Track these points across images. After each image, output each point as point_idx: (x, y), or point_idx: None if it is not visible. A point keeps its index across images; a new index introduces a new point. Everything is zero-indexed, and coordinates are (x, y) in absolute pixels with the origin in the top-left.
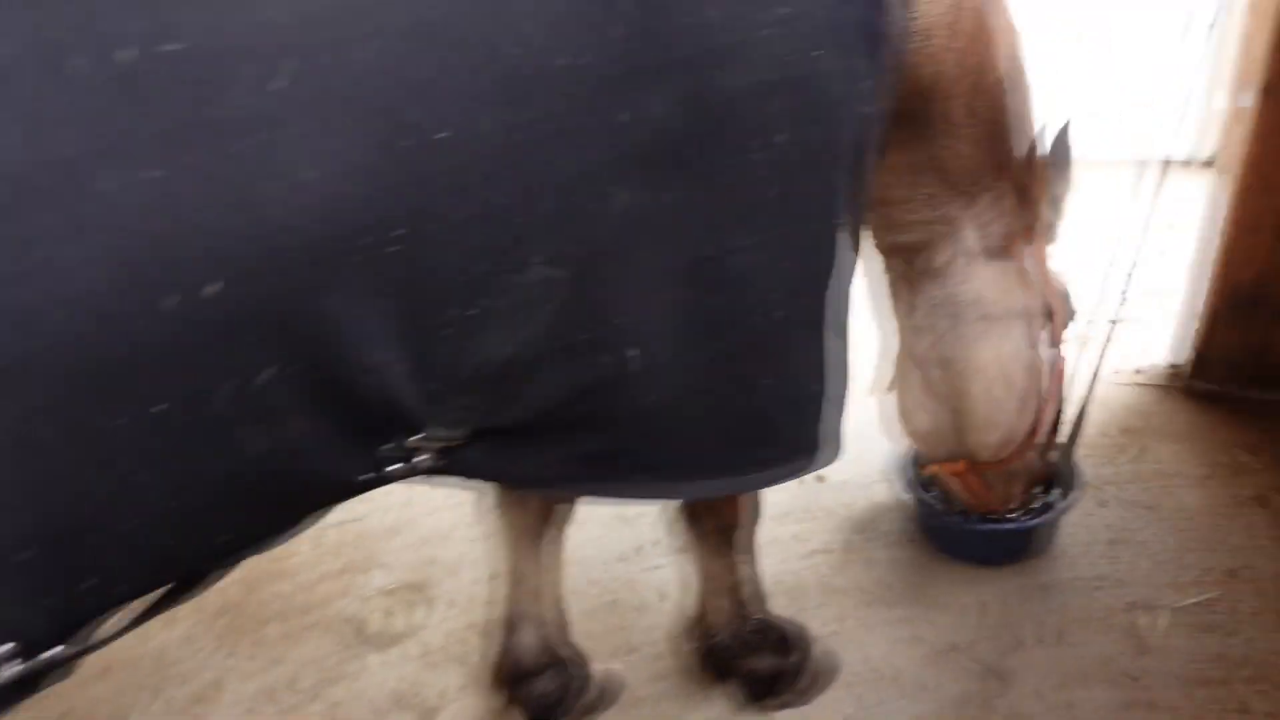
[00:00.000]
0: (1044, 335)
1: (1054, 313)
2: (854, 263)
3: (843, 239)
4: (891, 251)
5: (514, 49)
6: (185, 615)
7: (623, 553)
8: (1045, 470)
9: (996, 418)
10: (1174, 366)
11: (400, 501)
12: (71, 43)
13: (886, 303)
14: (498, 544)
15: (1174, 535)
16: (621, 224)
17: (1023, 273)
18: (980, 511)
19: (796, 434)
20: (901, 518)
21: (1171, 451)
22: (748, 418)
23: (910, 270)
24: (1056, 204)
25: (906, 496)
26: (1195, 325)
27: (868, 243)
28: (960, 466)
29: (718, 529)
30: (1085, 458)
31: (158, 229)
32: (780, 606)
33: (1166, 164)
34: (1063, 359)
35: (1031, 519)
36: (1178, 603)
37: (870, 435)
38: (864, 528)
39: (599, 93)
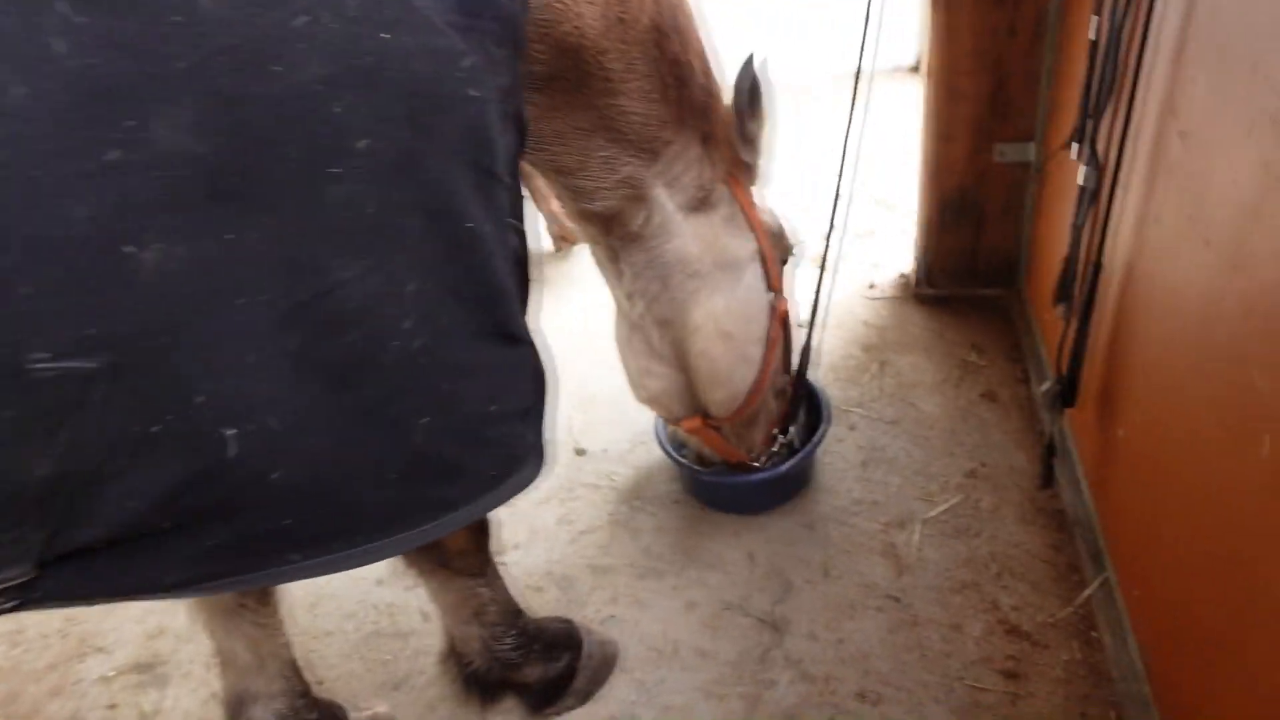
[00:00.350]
0: (758, 280)
1: (767, 255)
2: (514, 254)
3: (484, 237)
4: (585, 220)
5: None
6: None
7: (379, 575)
8: (785, 411)
9: (720, 374)
10: (903, 276)
11: None
12: None
13: (599, 268)
14: (199, 624)
15: (919, 446)
16: (161, 286)
17: (727, 221)
18: (730, 462)
19: (482, 463)
20: (664, 480)
21: (909, 363)
22: (414, 462)
23: (610, 237)
24: (753, 143)
25: (667, 457)
26: (916, 235)
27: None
28: (696, 423)
29: (440, 562)
30: (831, 382)
31: None
32: (553, 600)
33: (871, 75)
34: (783, 300)
35: (783, 463)
36: (927, 514)
37: (623, 400)
38: (628, 497)
39: (65, 128)
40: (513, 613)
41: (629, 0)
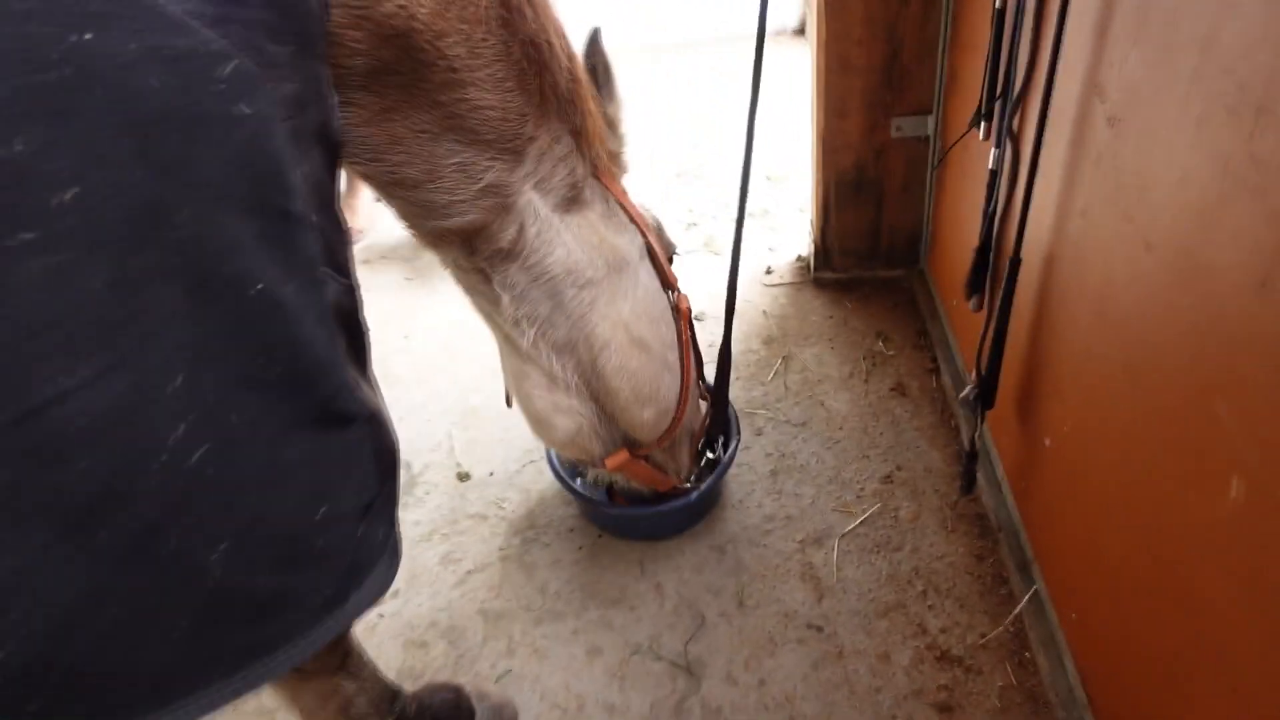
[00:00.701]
0: (653, 278)
1: (655, 250)
2: (336, 309)
3: (283, 297)
4: (441, 242)
5: None
6: None
7: None
8: (705, 422)
9: (645, 390)
10: (801, 259)
11: None
12: None
13: (469, 301)
14: None
15: (830, 450)
16: None
17: (606, 218)
18: (664, 490)
19: (311, 586)
20: (559, 503)
21: (814, 355)
22: (207, 606)
23: (476, 258)
24: (615, 127)
25: (567, 488)
26: (811, 214)
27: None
28: (622, 457)
29: None
30: (733, 381)
31: None
32: (440, 657)
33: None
34: (683, 296)
35: (694, 486)
36: (844, 528)
37: (507, 418)
38: (521, 528)
39: None
40: (386, 698)
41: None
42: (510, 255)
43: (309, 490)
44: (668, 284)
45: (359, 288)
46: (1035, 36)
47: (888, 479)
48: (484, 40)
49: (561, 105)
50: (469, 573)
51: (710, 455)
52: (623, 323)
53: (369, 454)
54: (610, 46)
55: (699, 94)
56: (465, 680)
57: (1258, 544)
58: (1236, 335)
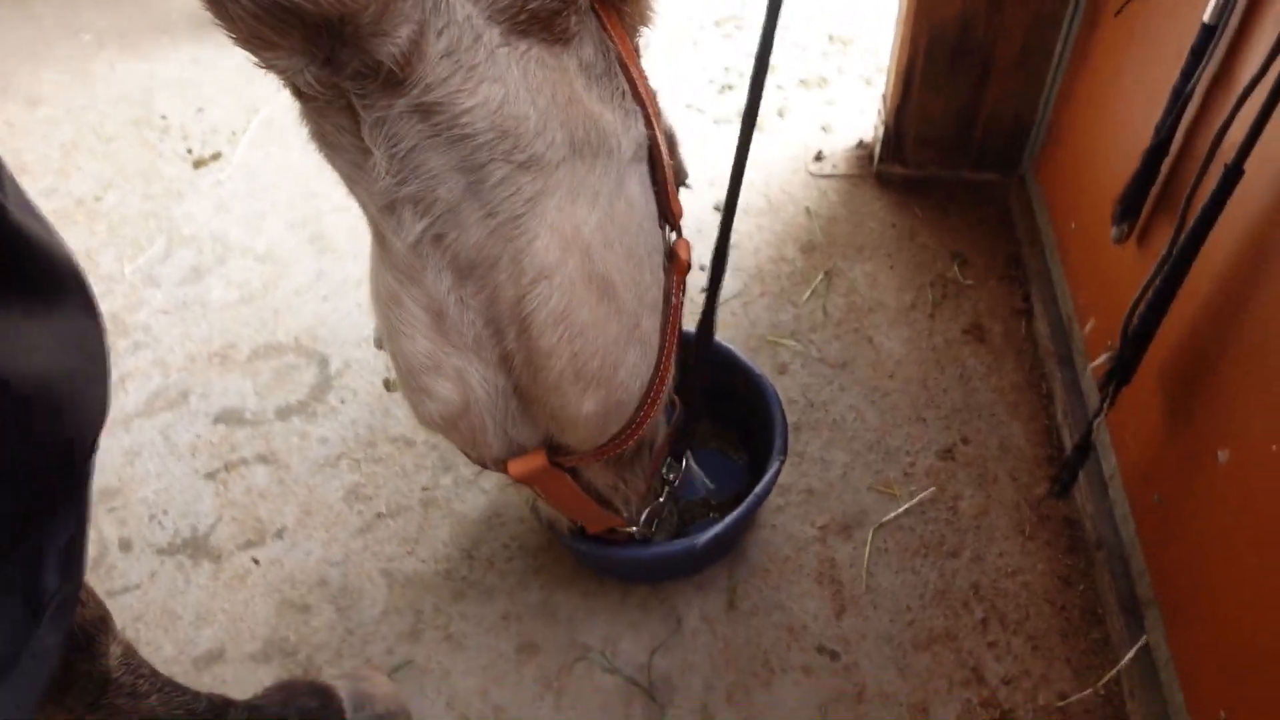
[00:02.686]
0: (648, 194)
1: (661, 156)
2: None
3: None
4: (279, 37)
5: None
6: None
7: None
8: (671, 443)
9: (592, 361)
10: (863, 145)
11: None
12: None
13: (325, 156)
14: None
15: (875, 405)
16: None
17: (593, 73)
18: (596, 531)
19: None
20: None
21: (866, 274)
22: None
23: (337, 76)
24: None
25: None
26: (885, 88)
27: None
28: (538, 461)
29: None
30: (757, 297)
31: None
32: (324, 626)
33: None
34: (685, 243)
35: (703, 525)
36: (883, 515)
37: None
38: (454, 463)
39: None
40: (216, 708)
41: None
42: (395, 81)
43: None
44: (667, 217)
45: None
46: None
47: (948, 453)
48: None
49: None
50: (379, 516)
51: (669, 479)
52: (582, 243)
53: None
54: None
55: None
56: (346, 669)
57: None
58: None
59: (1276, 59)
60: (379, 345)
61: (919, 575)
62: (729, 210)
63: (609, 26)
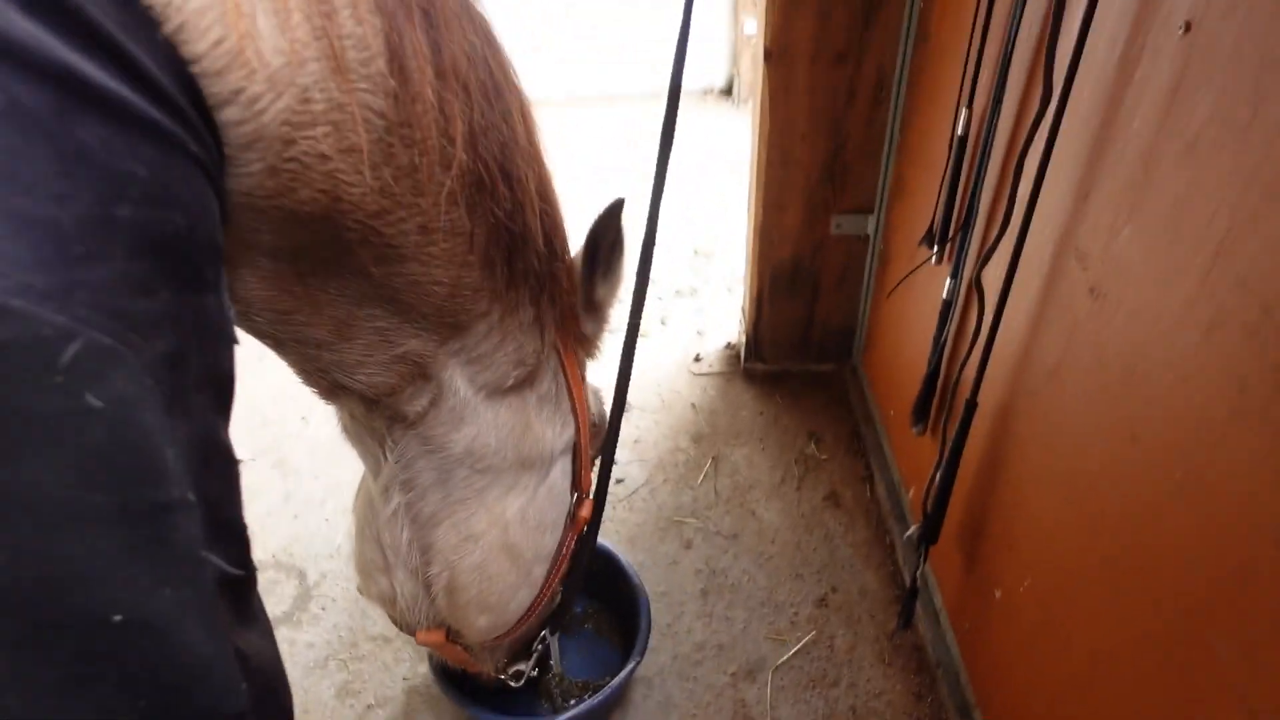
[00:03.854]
0: (565, 478)
1: (583, 449)
2: (216, 633)
3: (159, 623)
4: (336, 393)
5: None
6: None
7: None
8: (546, 620)
9: (491, 598)
10: (731, 347)
11: None
12: None
13: (350, 441)
14: None
15: (762, 568)
16: None
17: (545, 403)
18: (473, 674)
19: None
20: None
21: (744, 456)
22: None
23: (373, 417)
24: (599, 312)
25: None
26: (743, 301)
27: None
28: (438, 637)
29: None
30: (661, 484)
31: None
32: None
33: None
34: (588, 503)
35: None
36: (779, 659)
37: None
38: (429, 653)
39: None
40: None
41: (426, 142)
42: (412, 424)
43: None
44: (579, 486)
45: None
46: (1000, 173)
47: (822, 602)
48: (435, 220)
49: (529, 283)
50: (369, 707)
51: (539, 647)
52: (504, 522)
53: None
54: (534, 98)
55: (624, 151)
56: None
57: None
58: (1246, 572)
59: (984, 326)
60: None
61: (810, 705)
62: (617, 408)
63: (566, 364)
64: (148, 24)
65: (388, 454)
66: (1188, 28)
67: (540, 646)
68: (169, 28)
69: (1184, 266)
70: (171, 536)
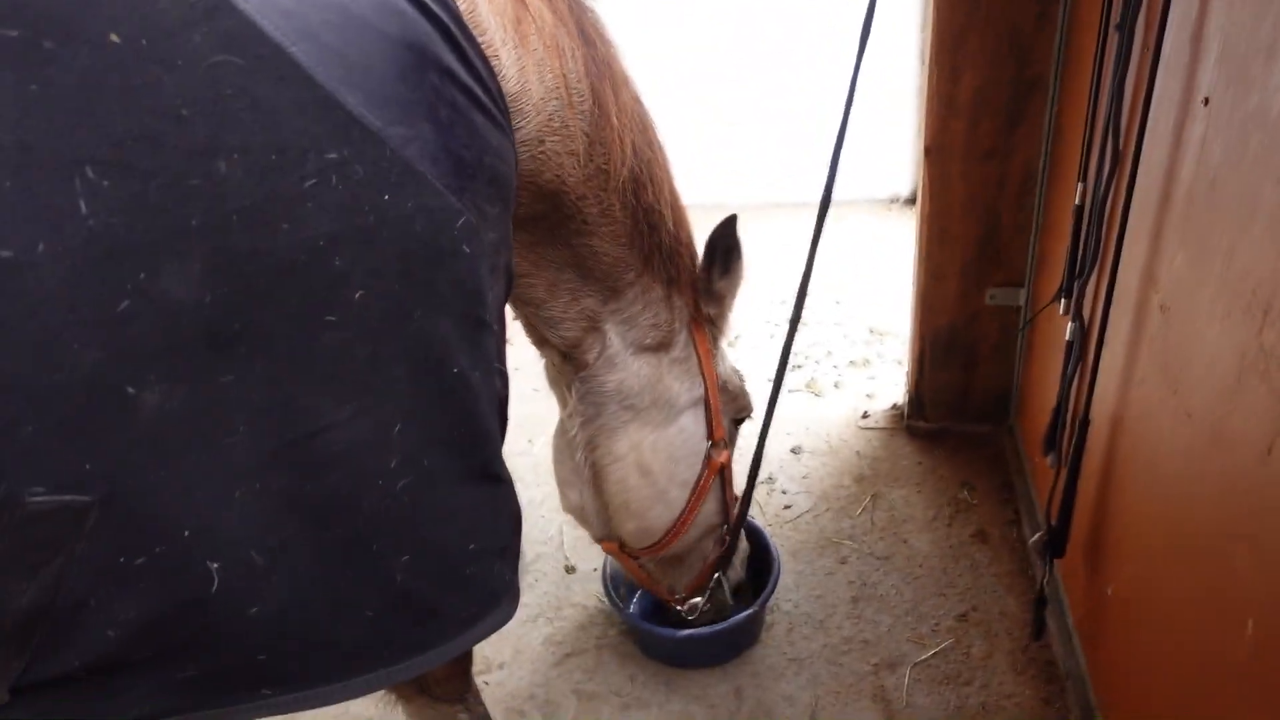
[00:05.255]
0: (697, 425)
1: (713, 404)
2: (500, 399)
3: (471, 383)
4: (546, 346)
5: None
6: None
7: None
8: (716, 563)
9: (632, 505)
10: (896, 407)
11: None
12: None
13: (550, 386)
14: None
15: (910, 585)
16: (158, 425)
17: (677, 363)
18: (653, 594)
19: (455, 604)
20: None
21: (902, 496)
22: (389, 603)
23: (565, 363)
24: (719, 300)
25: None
26: (908, 368)
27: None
28: (613, 546)
29: (419, 688)
30: (823, 512)
31: None
32: None
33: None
34: (723, 451)
35: (716, 623)
36: (918, 657)
37: None
38: (617, 621)
39: (78, 283)
40: None
41: (611, 153)
42: (586, 366)
43: (467, 529)
44: (713, 436)
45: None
46: (1104, 232)
47: (963, 617)
48: (614, 205)
49: (662, 262)
50: (567, 655)
51: (720, 587)
52: (639, 446)
53: (507, 511)
54: (736, 202)
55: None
56: None
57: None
58: (1249, 495)
59: (1099, 362)
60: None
61: (943, 697)
62: (761, 439)
63: (696, 336)
64: (493, 74)
65: (571, 393)
66: (1206, 101)
67: (712, 586)
68: (501, 76)
69: (1210, 264)
70: (483, 342)
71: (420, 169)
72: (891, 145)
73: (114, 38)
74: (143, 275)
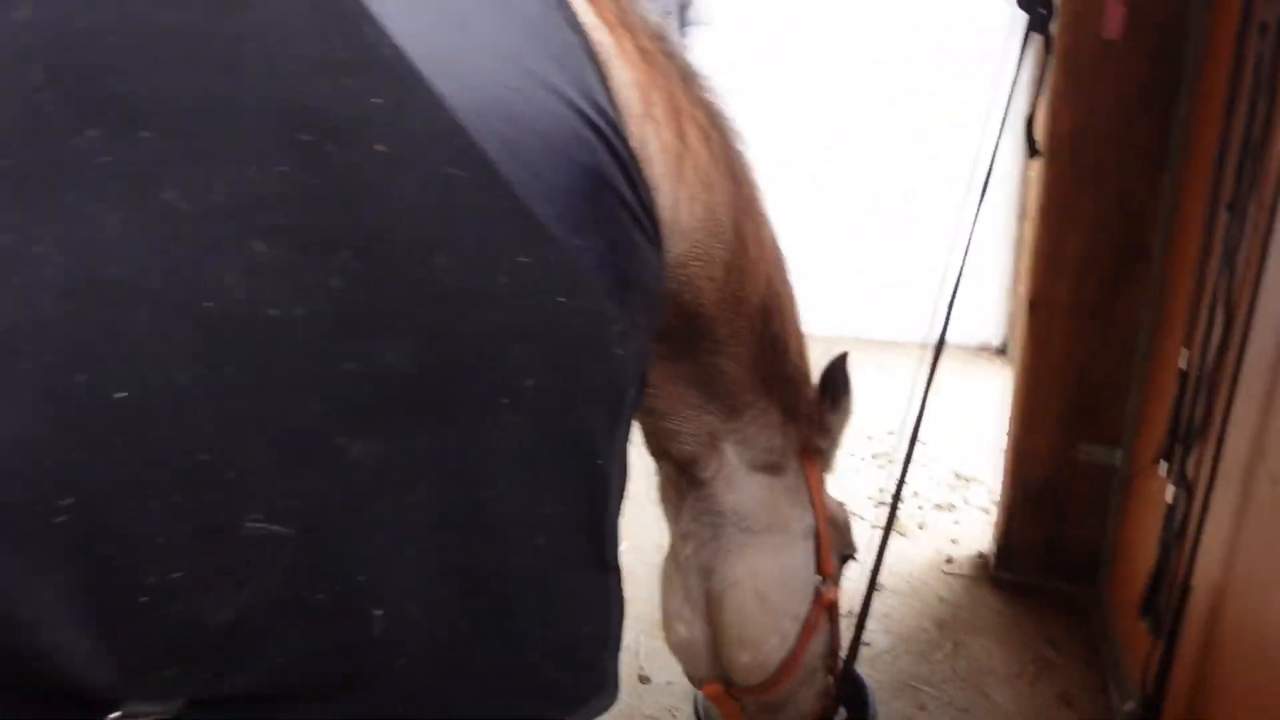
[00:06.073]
0: (808, 558)
1: (823, 537)
2: (622, 495)
3: (608, 476)
4: (663, 458)
5: (210, 300)
6: None
7: None
8: (820, 710)
9: (748, 634)
10: (981, 556)
11: None
12: None
13: (663, 504)
14: None
15: None
16: (357, 476)
17: (790, 490)
18: None
19: (568, 685)
20: None
21: (983, 647)
22: (517, 672)
23: (680, 478)
24: (829, 432)
25: None
26: (996, 517)
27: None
28: (718, 689)
29: None
30: (902, 654)
31: None
32: None
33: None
34: (831, 589)
35: None
36: None
37: None
38: None
39: (319, 343)
40: None
41: (746, 283)
42: (702, 485)
43: (585, 613)
44: (822, 571)
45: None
46: (1211, 397)
47: None
48: (743, 330)
49: (781, 389)
50: None
51: None
52: (756, 573)
53: (618, 602)
54: (824, 334)
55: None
56: None
57: None
58: None
59: (1202, 529)
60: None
61: None
62: (870, 588)
63: (806, 467)
64: (654, 202)
65: (685, 507)
66: None
67: None
68: (659, 205)
69: None
70: (618, 435)
71: (590, 278)
72: (984, 294)
73: (379, 148)
74: (369, 344)
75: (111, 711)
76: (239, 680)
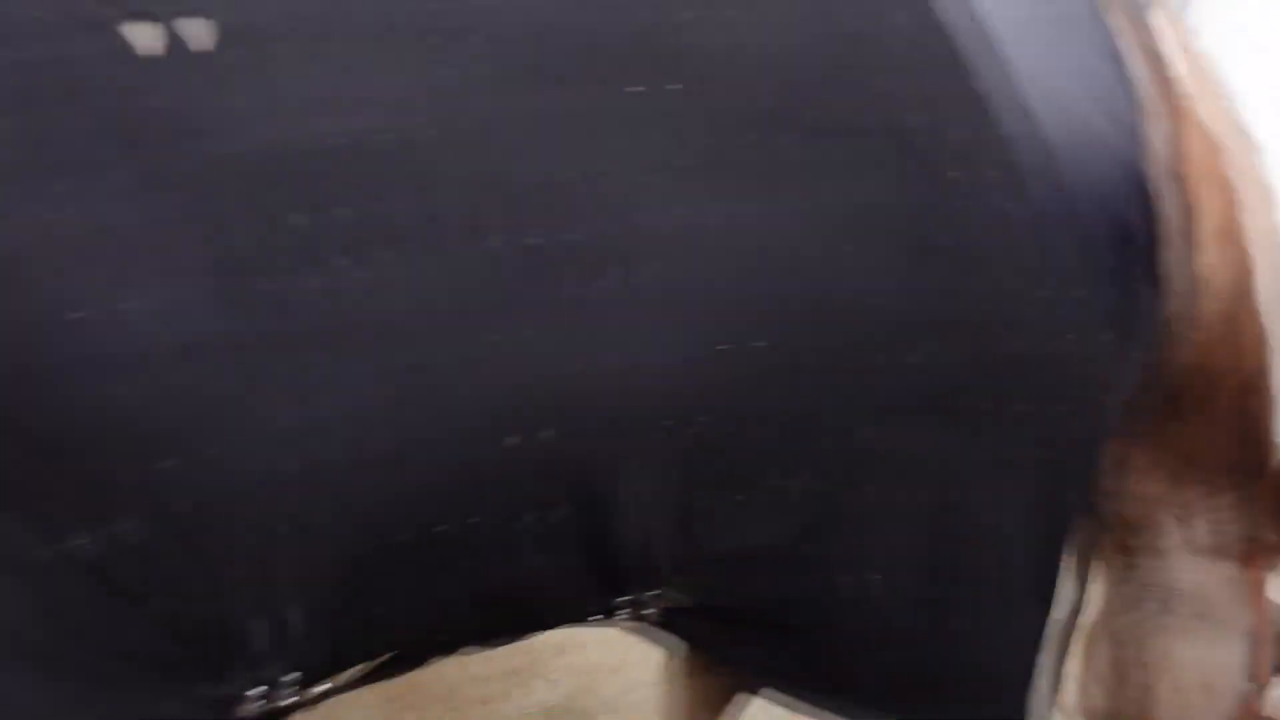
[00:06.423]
0: (1239, 659)
1: (1259, 640)
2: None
3: (1068, 519)
4: (1110, 515)
5: (831, 274)
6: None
7: None
8: None
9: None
10: None
11: None
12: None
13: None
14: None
15: None
16: (856, 468)
17: (1226, 582)
18: None
19: (1002, 698)
20: None
21: None
22: (960, 670)
23: (1127, 541)
24: None
25: None
26: None
27: None
28: None
29: None
30: None
31: (527, 379)
32: None
33: None
34: (1257, 700)
35: None
36: None
37: None
38: None
39: (897, 333)
40: None
41: (1260, 352)
42: (1157, 554)
43: (1032, 639)
44: (1257, 678)
45: None
46: None
47: None
48: (1247, 406)
49: (1238, 472)
50: None
51: None
52: (1204, 665)
53: (1044, 643)
54: None
55: None
56: None
57: None
58: None
59: None
60: None
61: None
62: None
63: (1248, 562)
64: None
65: (1132, 575)
66: None
67: None
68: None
69: None
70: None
71: (1098, 323)
72: None
73: (991, 172)
74: (933, 344)
75: (653, 591)
76: (738, 596)
